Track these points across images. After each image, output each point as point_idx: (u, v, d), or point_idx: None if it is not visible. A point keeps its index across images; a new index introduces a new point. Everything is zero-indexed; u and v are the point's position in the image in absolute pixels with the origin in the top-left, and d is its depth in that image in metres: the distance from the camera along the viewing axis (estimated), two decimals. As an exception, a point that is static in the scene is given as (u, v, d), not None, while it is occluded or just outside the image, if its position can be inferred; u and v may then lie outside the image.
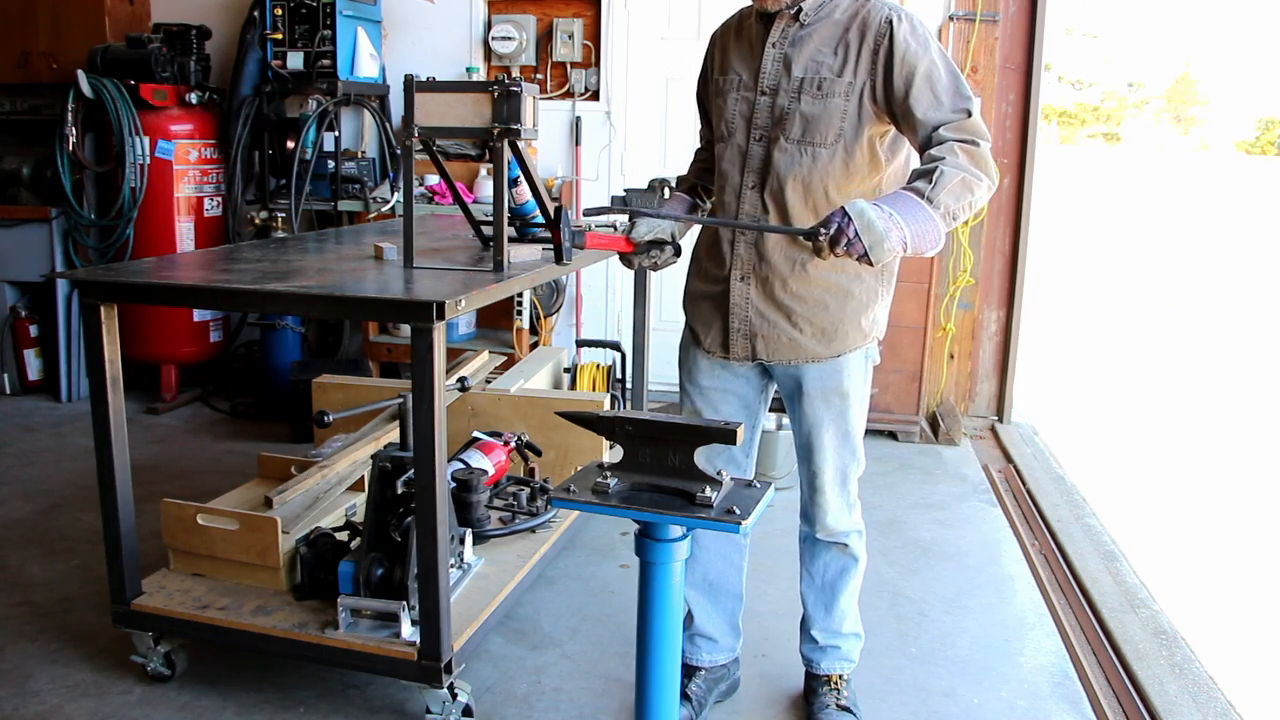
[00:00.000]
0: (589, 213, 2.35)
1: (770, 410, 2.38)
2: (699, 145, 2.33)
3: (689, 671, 2.34)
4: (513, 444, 2.99)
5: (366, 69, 4.69)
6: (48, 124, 4.62)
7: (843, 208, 1.70)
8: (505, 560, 2.62)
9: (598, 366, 4.35)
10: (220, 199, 4.77)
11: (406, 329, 2.47)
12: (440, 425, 2.01)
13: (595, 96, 4.82)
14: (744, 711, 2.41)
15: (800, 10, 1.91)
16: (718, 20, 2.19)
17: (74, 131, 4.48)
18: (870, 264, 1.70)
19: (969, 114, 1.84)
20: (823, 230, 1.71)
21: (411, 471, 2.13)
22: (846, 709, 2.30)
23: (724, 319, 2.08)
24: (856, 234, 1.67)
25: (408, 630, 2.18)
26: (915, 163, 1.89)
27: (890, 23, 1.86)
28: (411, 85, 2.17)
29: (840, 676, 2.35)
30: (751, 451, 2.24)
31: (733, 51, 2.05)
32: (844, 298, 2.01)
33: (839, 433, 2.11)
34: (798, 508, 2.29)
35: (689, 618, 2.35)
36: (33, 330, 4.76)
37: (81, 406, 4.57)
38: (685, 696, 2.29)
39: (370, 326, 4.70)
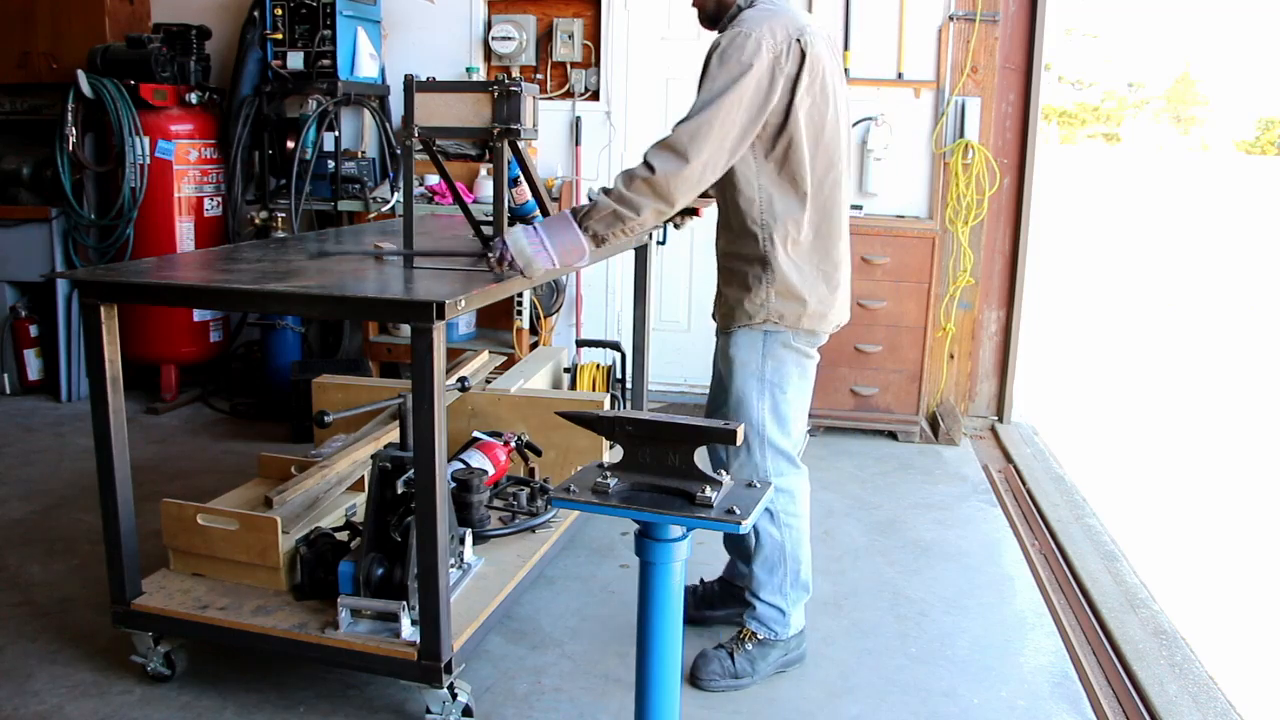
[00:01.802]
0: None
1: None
2: None
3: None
4: (513, 444, 2.99)
5: (366, 69, 4.69)
6: (48, 124, 4.62)
7: (502, 236, 2.12)
8: (505, 560, 2.62)
9: (598, 366, 4.35)
10: (220, 199, 4.77)
11: (406, 329, 2.47)
12: (440, 425, 2.01)
13: (595, 96, 4.82)
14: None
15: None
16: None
17: (74, 131, 4.48)
18: (527, 278, 2.13)
19: (682, 137, 2.04)
20: (489, 253, 2.13)
21: (411, 471, 2.13)
22: (731, 657, 2.46)
23: None
24: (512, 258, 2.08)
25: (408, 630, 2.18)
26: (804, 154, 2.20)
27: (717, 41, 2.14)
28: (411, 85, 2.18)
29: (751, 633, 2.50)
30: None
31: None
32: (734, 283, 2.34)
33: (735, 399, 2.36)
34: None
35: None
36: (33, 330, 4.76)
37: (81, 406, 4.57)
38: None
39: (370, 326, 4.71)
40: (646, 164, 2.06)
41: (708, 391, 2.64)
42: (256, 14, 4.61)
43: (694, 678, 2.44)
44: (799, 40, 2.12)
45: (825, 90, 2.21)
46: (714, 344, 2.50)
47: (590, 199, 2.14)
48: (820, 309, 2.32)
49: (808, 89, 2.15)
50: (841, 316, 2.41)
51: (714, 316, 2.47)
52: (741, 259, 2.30)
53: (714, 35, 2.24)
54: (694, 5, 2.35)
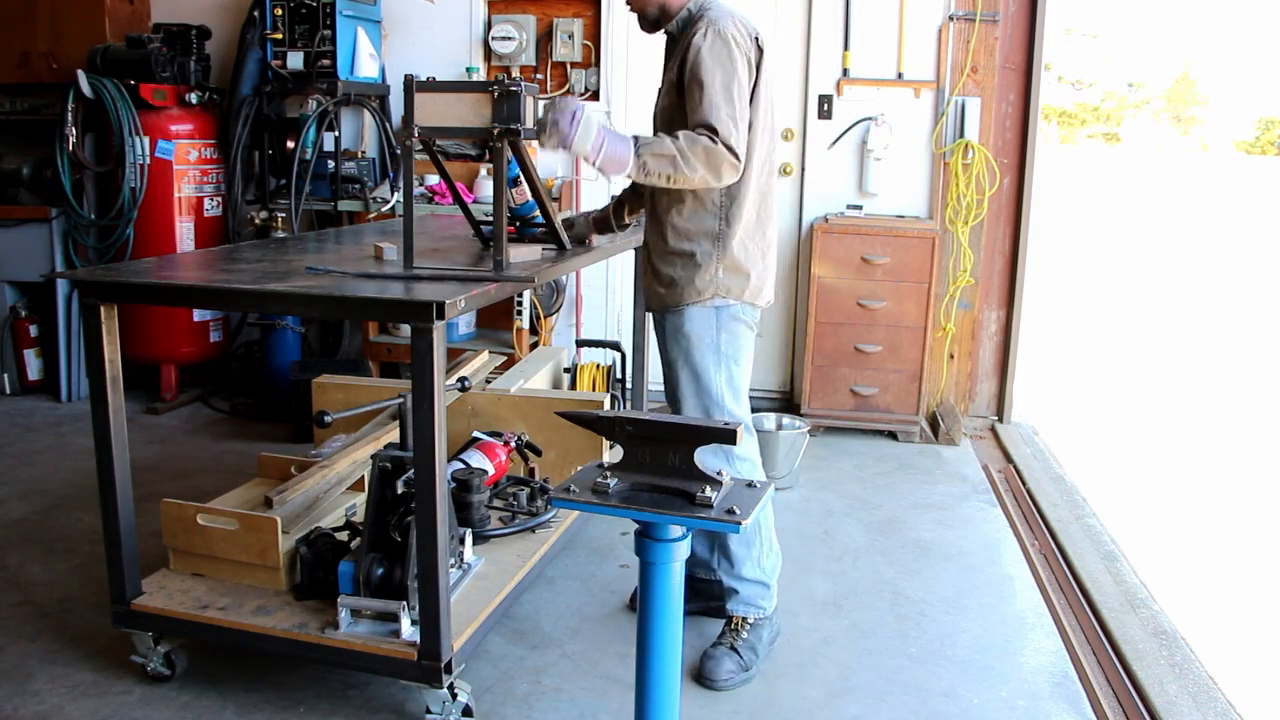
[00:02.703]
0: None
1: (761, 410, 2.49)
2: None
3: None
4: (513, 444, 2.99)
5: (366, 69, 4.69)
6: (48, 124, 4.62)
7: (580, 107, 2.18)
8: (505, 560, 2.62)
9: (598, 366, 4.35)
10: (220, 199, 4.77)
11: (406, 329, 2.48)
12: (440, 425, 2.01)
13: (595, 96, 4.82)
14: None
15: (671, 30, 2.40)
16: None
17: (74, 131, 4.48)
18: (565, 148, 2.16)
19: (715, 130, 2.21)
20: (550, 111, 2.17)
21: (411, 471, 2.13)
22: (735, 650, 2.46)
23: (643, 277, 2.59)
24: (563, 121, 2.13)
25: (407, 630, 2.18)
26: (757, 139, 2.36)
27: (696, 33, 2.27)
28: (411, 85, 2.18)
29: (743, 620, 2.53)
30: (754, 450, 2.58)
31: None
32: (680, 263, 2.41)
33: (690, 374, 2.44)
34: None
35: None
36: (33, 330, 4.76)
37: (81, 406, 4.57)
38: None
39: (370, 326, 4.70)
40: (710, 135, 2.20)
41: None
42: (256, 14, 4.61)
43: (705, 681, 2.44)
44: (756, 37, 2.36)
45: (768, 83, 2.41)
46: (658, 324, 2.54)
47: (654, 138, 2.24)
48: (758, 284, 2.47)
49: (763, 80, 2.37)
50: (770, 294, 2.55)
51: (648, 302, 2.53)
52: (693, 238, 2.39)
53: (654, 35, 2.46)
54: (633, 10, 2.44)
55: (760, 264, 2.46)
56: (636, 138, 2.21)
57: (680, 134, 2.21)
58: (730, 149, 2.21)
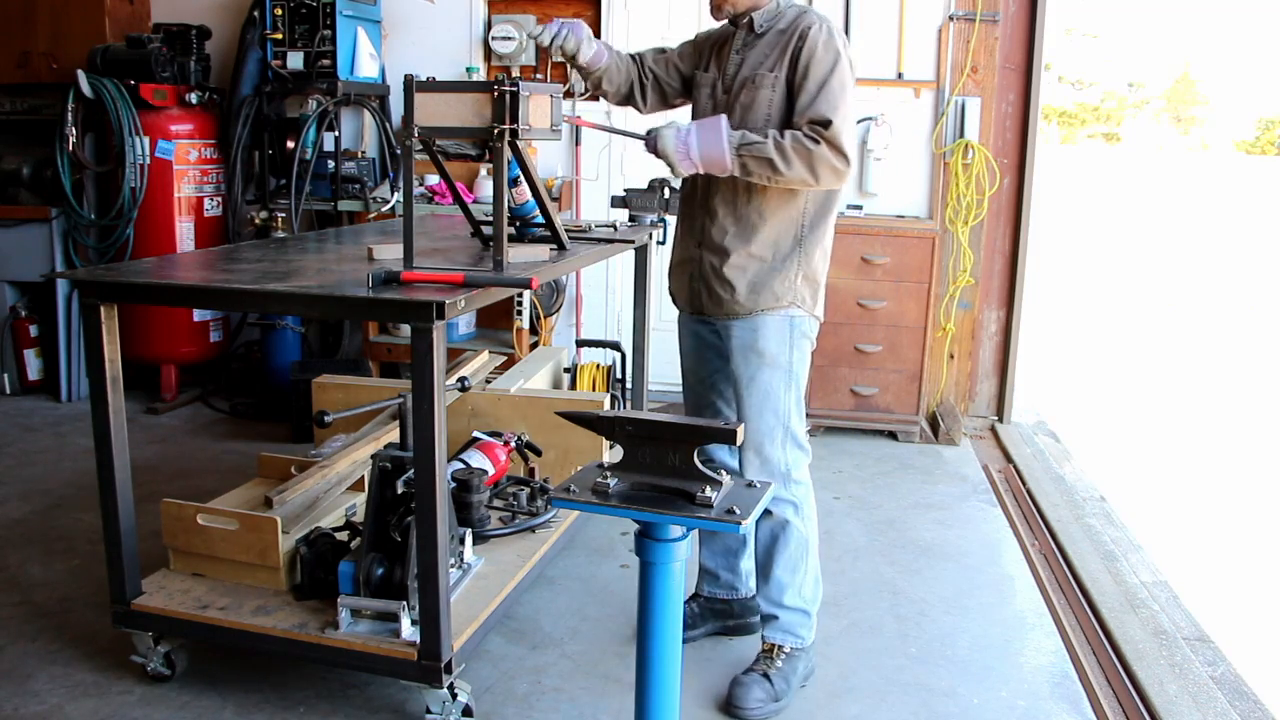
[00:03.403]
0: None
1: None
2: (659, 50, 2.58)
3: (689, 598, 2.65)
4: (513, 444, 2.99)
5: (366, 69, 4.69)
6: (48, 124, 4.62)
7: (657, 131, 2.22)
8: (505, 560, 2.62)
9: (598, 366, 4.35)
10: (220, 199, 4.77)
11: (406, 329, 2.47)
12: (440, 425, 2.01)
13: (595, 97, 4.81)
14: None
15: (752, 21, 2.33)
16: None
17: (74, 131, 4.48)
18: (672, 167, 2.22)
19: (829, 123, 2.17)
20: (647, 138, 2.25)
21: (411, 471, 2.13)
22: (767, 678, 2.36)
23: (689, 280, 2.46)
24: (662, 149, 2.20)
25: (408, 630, 2.18)
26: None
27: (810, 28, 2.23)
28: (411, 85, 2.17)
29: (778, 647, 2.43)
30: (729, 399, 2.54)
31: (713, 54, 2.44)
32: (759, 263, 2.32)
33: (761, 395, 2.35)
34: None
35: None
36: (33, 330, 4.76)
37: (81, 406, 4.57)
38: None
39: (370, 326, 4.70)
40: (812, 138, 2.16)
41: (682, 384, 2.62)
42: (256, 14, 4.61)
43: (733, 708, 2.33)
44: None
45: None
46: (707, 332, 2.47)
47: (756, 139, 2.18)
48: (822, 296, 2.42)
49: None
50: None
51: (705, 303, 2.40)
52: (779, 242, 2.32)
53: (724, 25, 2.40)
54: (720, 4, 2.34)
55: (825, 276, 2.42)
56: (741, 137, 2.18)
57: (786, 135, 2.17)
58: (840, 150, 2.15)
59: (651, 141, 2.23)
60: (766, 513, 2.37)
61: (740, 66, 2.33)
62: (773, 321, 2.33)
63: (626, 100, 2.55)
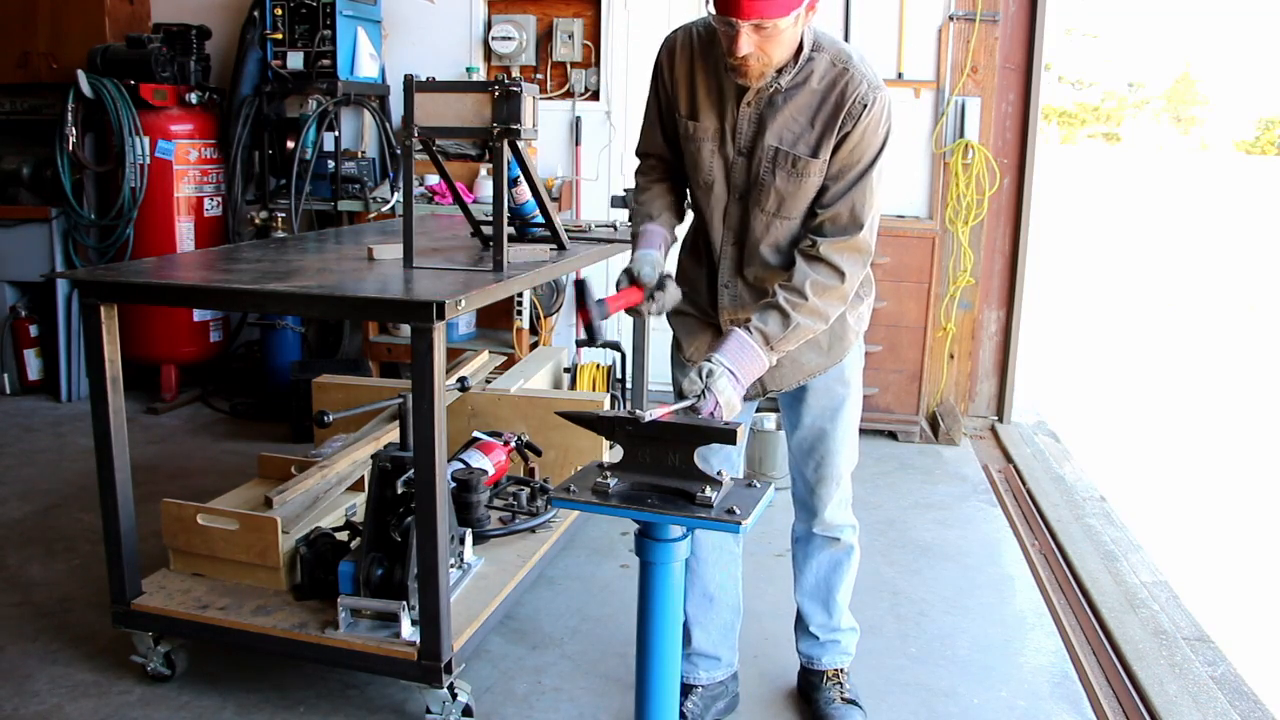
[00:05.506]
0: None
1: (764, 410, 2.41)
2: (642, 166, 2.19)
3: (686, 690, 2.29)
4: (513, 444, 2.99)
5: (366, 69, 4.69)
6: (48, 124, 4.62)
7: (712, 390, 1.77)
8: (505, 560, 2.62)
9: (598, 366, 4.35)
10: (220, 199, 4.77)
11: (406, 329, 2.47)
12: (440, 425, 2.01)
13: (595, 96, 4.82)
14: (745, 713, 2.40)
15: (779, 76, 1.88)
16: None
17: (74, 131, 4.48)
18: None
19: (858, 229, 1.92)
20: (699, 401, 1.78)
21: (411, 471, 2.13)
22: (852, 701, 2.33)
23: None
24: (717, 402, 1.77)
25: (408, 630, 2.18)
26: None
27: (865, 106, 1.87)
28: (411, 85, 2.18)
29: (842, 670, 2.39)
30: (742, 448, 2.28)
31: (701, 93, 1.97)
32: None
33: (845, 423, 2.25)
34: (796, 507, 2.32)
35: (687, 637, 2.31)
36: (33, 330, 4.76)
37: (81, 406, 4.57)
38: (682, 716, 2.23)
39: (370, 326, 4.70)
40: (836, 270, 1.92)
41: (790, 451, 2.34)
42: (256, 14, 4.61)
43: None
44: None
45: None
46: (802, 400, 2.22)
47: (776, 317, 1.90)
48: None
49: None
50: None
51: (766, 383, 2.12)
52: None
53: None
54: (748, 75, 1.83)
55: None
56: (765, 337, 1.88)
57: (808, 288, 1.89)
58: (865, 256, 1.95)
59: (710, 404, 1.78)
60: (831, 541, 2.31)
61: (761, 128, 1.92)
62: (854, 353, 2.21)
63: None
